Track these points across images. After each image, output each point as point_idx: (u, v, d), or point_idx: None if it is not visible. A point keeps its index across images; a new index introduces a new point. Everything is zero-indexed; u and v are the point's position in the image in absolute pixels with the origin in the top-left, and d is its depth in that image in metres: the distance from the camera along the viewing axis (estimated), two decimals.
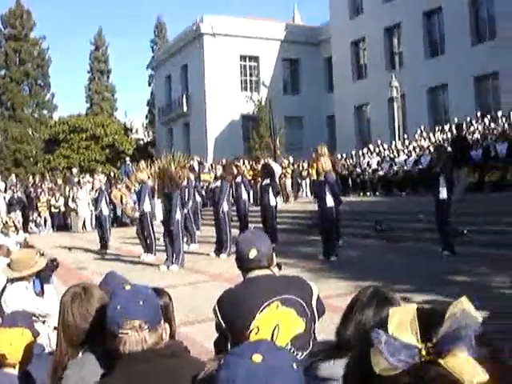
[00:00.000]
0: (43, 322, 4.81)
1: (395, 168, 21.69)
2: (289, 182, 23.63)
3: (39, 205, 24.93)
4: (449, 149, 15.25)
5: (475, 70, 28.04)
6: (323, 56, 41.01)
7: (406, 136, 26.94)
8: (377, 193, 22.32)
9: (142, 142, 48.91)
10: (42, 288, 5.18)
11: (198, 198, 17.23)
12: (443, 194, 10.51)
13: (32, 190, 26.32)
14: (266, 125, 33.04)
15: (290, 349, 2.83)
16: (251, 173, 22.93)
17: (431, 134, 24.06)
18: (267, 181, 14.32)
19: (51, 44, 67.00)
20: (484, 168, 17.23)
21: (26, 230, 21.54)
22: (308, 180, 23.68)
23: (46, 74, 46.30)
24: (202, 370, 1.80)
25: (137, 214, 13.74)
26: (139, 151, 44.02)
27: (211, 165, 28.20)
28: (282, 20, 43.56)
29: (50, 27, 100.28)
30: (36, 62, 45.45)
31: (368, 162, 23.98)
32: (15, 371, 3.21)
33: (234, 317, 2.94)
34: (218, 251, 13.05)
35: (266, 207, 14.18)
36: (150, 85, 53.34)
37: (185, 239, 14.65)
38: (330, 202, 11.14)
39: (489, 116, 22.95)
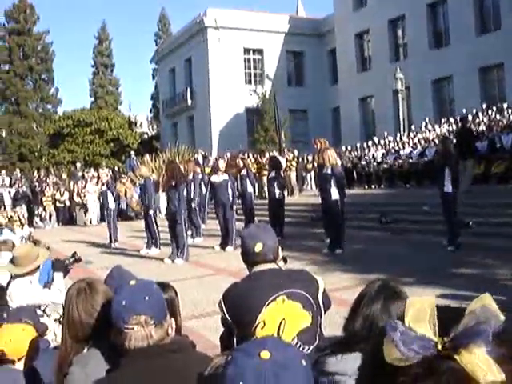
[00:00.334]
0: (49, 316, 4.81)
1: (400, 160, 21.64)
2: (293, 175, 23.59)
3: (44, 199, 24.95)
4: (454, 141, 15.18)
5: (480, 62, 27.92)
6: (327, 48, 40.89)
7: (412, 128, 26.87)
8: (382, 185, 22.28)
9: (146, 136, 48.90)
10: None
11: (204, 192, 17.23)
12: (448, 187, 10.45)
13: (37, 184, 26.37)
14: (270, 118, 33.00)
15: (297, 343, 2.82)
16: (255, 166, 22.91)
17: (436, 126, 23.99)
18: (273, 174, 14.31)
19: (55, 38, 66.95)
20: (490, 160, 17.18)
21: (31, 224, 21.61)
22: (313, 173, 23.64)
23: (49, 69, 46.28)
24: (208, 366, 1.78)
25: (151, 212, 13.61)
26: (143, 145, 44.00)
27: (216, 158, 28.22)
28: (286, 12, 43.45)
29: (54, 21, 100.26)
30: (40, 56, 45.44)
31: (373, 155, 23.93)
32: (20, 367, 3.21)
33: (239, 311, 2.93)
34: (224, 245, 13.04)
35: (272, 200, 14.17)
36: (154, 78, 53.32)
37: (190, 232, 14.68)
38: (335, 194, 11.10)
39: (494, 108, 22.85)
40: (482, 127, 19.76)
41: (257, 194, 18.51)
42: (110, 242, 15.49)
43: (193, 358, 2.13)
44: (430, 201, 13.13)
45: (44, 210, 25.04)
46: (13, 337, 3.23)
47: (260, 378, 1.22)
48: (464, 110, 23.05)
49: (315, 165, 16.43)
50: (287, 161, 22.72)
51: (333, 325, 3.10)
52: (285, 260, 3.36)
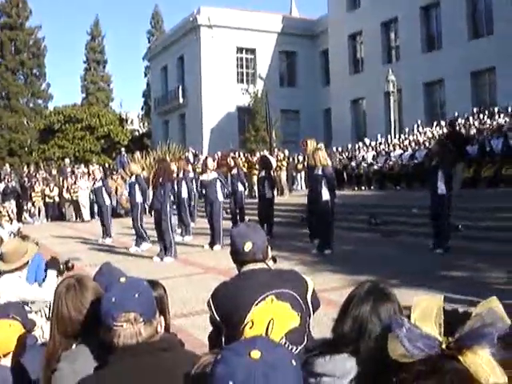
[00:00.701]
0: (36, 313, 4.78)
1: (390, 162, 21.69)
2: (284, 174, 23.60)
3: (33, 195, 24.82)
4: None
5: (472, 66, 28.06)
6: (320, 49, 40.97)
7: (404, 130, 26.94)
8: (372, 187, 22.32)
9: (137, 133, 48.80)
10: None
11: (194, 190, 17.21)
12: (442, 188, 10.41)
13: (26, 179, 26.21)
14: (261, 117, 32.98)
15: (285, 343, 2.82)
16: (246, 165, 22.91)
17: (427, 129, 24.06)
18: (263, 173, 14.31)
19: (47, 34, 66.74)
20: (480, 163, 17.25)
21: (19, 219, 21.51)
22: (303, 173, 23.66)
23: (41, 64, 46.14)
24: (196, 364, 1.78)
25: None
26: (134, 142, 43.91)
27: (205, 157, 28.20)
28: (279, 12, 43.49)
29: (46, 17, 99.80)
30: (31, 51, 45.31)
31: (363, 156, 23.97)
32: (7, 363, 3.18)
33: (228, 310, 2.93)
34: (213, 244, 13.02)
35: (262, 200, 14.16)
36: (146, 76, 53.21)
37: (179, 231, 14.66)
38: (325, 195, 11.10)
39: (486, 111, 22.95)
40: (473, 131, 19.84)
41: (247, 193, 18.49)
42: (103, 236, 15.49)
43: (181, 357, 2.12)
44: (419, 203, 13.16)
45: (33, 205, 24.91)
46: None
47: (250, 377, 1.22)
48: (456, 114, 23.15)
49: (305, 165, 16.43)
50: (278, 160, 22.73)
51: (321, 325, 3.10)
52: (274, 260, 3.35)
